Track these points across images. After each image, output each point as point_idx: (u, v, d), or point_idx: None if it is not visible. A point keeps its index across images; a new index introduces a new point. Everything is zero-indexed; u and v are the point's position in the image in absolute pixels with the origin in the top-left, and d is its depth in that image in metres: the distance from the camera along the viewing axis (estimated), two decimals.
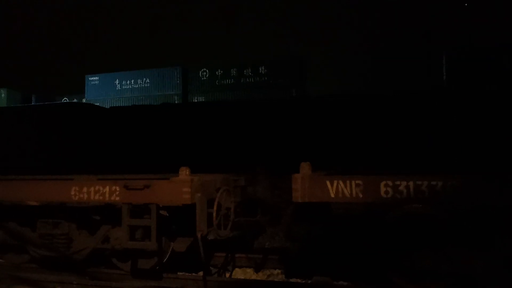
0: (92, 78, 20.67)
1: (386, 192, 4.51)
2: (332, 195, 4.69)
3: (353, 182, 4.61)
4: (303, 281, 5.66)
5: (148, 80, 19.86)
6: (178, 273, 5.82)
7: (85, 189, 5.39)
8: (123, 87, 20.15)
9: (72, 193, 5.45)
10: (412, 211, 4.60)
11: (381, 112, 6.78)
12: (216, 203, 5.21)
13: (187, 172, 5.03)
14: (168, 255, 5.58)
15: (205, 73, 19.39)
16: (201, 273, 5.55)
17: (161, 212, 5.27)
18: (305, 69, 18.45)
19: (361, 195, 4.58)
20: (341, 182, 4.67)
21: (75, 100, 20.60)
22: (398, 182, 4.49)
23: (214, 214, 5.14)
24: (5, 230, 6.16)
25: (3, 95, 21.23)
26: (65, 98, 21.61)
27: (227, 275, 6.21)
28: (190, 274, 5.87)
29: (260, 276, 6.21)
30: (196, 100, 18.78)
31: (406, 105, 6.72)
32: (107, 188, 5.31)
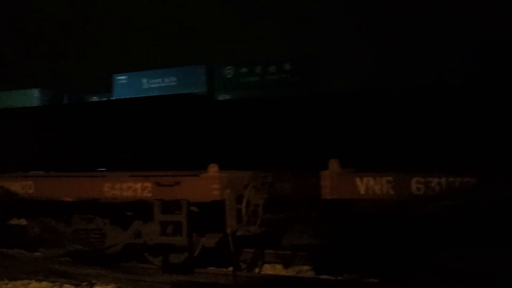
0: (120, 77, 21.01)
1: (418, 189, 4.45)
2: (362, 192, 4.66)
3: (383, 179, 4.57)
4: (333, 278, 5.65)
5: (174, 79, 20.07)
6: (209, 268, 5.90)
7: (117, 186, 5.54)
8: (151, 85, 20.42)
9: (105, 189, 5.62)
10: (442, 209, 4.53)
11: (408, 108, 6.63)
12: (245, 200, 5.26)
13: (216, 169, 5.10)
14: (198, 250, 5.67)
15: (230, 70, 19.46)
16: (231, 269, 5.61)
17: (192, 208, 5.36)
18: (328, 66, 18.26)
19: (392, 192, 4.54)
20: (371, 179, 4.64)
21: (104, 99, 20.98)
22: (430, 179, 4.43)
23: (244, 210, 5.20)
24: (42, 224, 6.41)
25: (36, 95, 21.84)
26: (95, 97, 22.06)
27: (257, 270, 6.25)
28: (220, 269, 5.95)
29: (290, 272, 6.24)
30: (222, 98, 18.87)
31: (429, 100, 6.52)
32: (139, 185, 5.45)
